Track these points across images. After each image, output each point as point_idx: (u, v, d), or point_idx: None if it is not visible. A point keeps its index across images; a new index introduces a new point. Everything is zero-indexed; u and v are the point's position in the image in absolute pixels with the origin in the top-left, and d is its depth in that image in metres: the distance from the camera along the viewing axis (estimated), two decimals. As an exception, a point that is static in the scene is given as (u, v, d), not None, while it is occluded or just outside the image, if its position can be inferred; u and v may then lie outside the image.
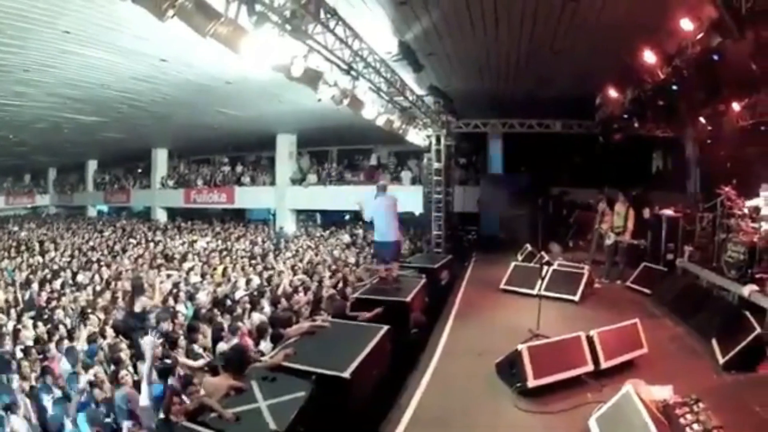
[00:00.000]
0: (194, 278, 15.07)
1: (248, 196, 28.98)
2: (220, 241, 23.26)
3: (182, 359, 7.76)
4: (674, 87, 10.92)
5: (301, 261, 17.90)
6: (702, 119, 15.72)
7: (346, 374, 6.71)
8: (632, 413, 5.71)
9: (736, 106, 13.81)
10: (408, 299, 10.75)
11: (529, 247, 16.27)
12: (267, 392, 5.96)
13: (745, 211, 11.03)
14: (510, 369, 7.66)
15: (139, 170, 34.68)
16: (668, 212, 14.97)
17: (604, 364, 7.97)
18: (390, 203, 11.66)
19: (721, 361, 8.30)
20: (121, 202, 35.20)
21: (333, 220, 28.49)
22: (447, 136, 18.57)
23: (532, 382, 7.27)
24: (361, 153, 28.32)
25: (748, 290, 9.62)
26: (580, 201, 19.29)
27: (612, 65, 12.35)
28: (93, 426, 7.16)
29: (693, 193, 17.51)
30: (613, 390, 6.44)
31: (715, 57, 8.94)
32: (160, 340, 8.28)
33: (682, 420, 6.21)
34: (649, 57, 10.60)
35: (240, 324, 10.12)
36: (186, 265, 16.93)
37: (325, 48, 8.98)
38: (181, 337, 9.57)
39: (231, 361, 6.62)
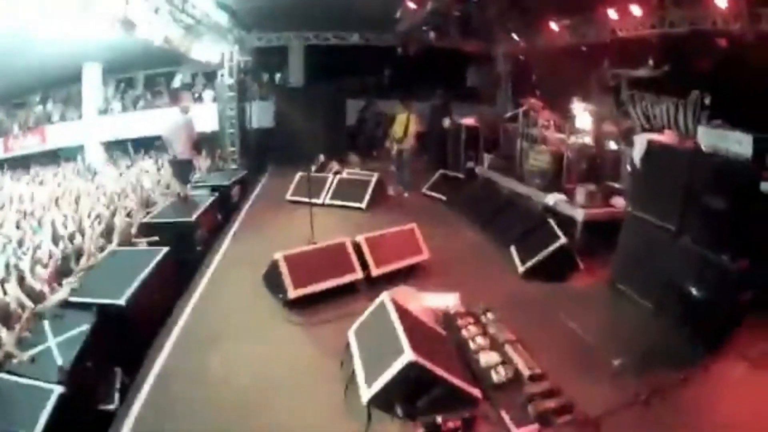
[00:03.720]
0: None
1: (59, 134, 26.20)
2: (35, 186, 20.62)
3: None
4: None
5: (104, 194, 15.84)
6: (514, 35, 15.39)
7: (122, 301, 6.56)
8: (386, 323, 5.15)
9: (554, 26, 13.63)
10: (192, 218, 10.41)
11: (322, 157, 15.75)
12: (56, 330, 5.97)
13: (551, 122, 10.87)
14: (275, 280, 7.19)
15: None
16: (468, 121, 14.51)
17: (376, 271, 7.51)
18: (184, 123, 11.74)
19: (521, 269, 7.99)
20: None
21: (144, 146, 25.75)
22: (241, 51, 17.85)
23: (292, 293, 6.90)
24: (166, 76, 26.38)
25: (553, 199, 9.36)
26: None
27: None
28: None
29: (502, 105, 17.26)
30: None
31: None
32: None
33: (464, 332, 5.74)
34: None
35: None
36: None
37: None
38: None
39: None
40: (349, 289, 7.19)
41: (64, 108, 26.88)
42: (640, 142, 7.56)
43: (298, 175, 13.23)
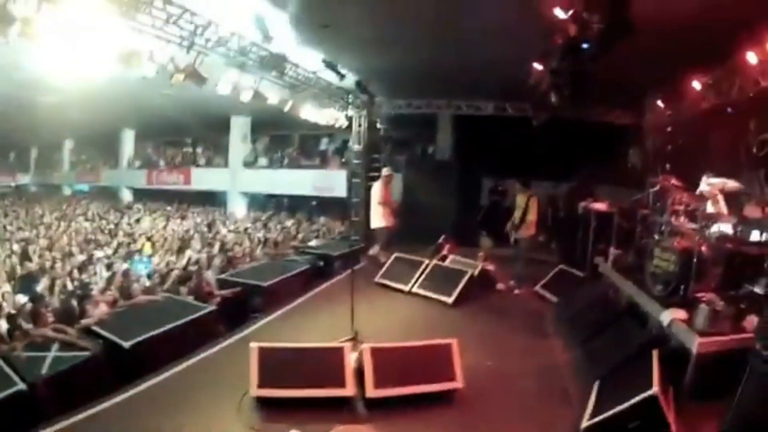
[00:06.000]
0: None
1: (203, 178, 28.52)
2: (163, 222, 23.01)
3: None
4: (585, 45, 8.16)
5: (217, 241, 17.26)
6: (659, 102, 13.14)
7: (127, 344, 7.12)
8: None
9: (696, 85, 11.20)
10: (265, 284, 10.49)
11: (442, 238, 14.05)
12: (64, 347, 6.86)
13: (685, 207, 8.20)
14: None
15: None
16: (599, 206, 11.96)
17: (372, 393, 5.71)
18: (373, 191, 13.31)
19: (585, 423, 5.28)
20: (92, 181, 35.19)
21: (299, 205, 26.85)
22: (369, 117, 17.09)
23: (254, 391, 5.87)
24: (317, 139, 27.04)
25: (668, 316, 6.58)
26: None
27: (526, 32, 9.78)
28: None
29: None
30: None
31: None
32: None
33: None
34: (560, 13, 8.00)
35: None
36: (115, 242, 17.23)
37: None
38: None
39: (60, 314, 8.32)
40: (340, 403, 5.64)
41: (212, 154, 29.21)
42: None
43: (393, 256, 12.04)
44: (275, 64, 11.96)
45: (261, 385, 5.81)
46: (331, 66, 12.93)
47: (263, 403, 5.77)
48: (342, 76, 13.60)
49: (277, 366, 5.92)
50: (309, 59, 12.97)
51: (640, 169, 14.97)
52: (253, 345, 6.06)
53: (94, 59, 8.57)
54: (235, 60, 10.95)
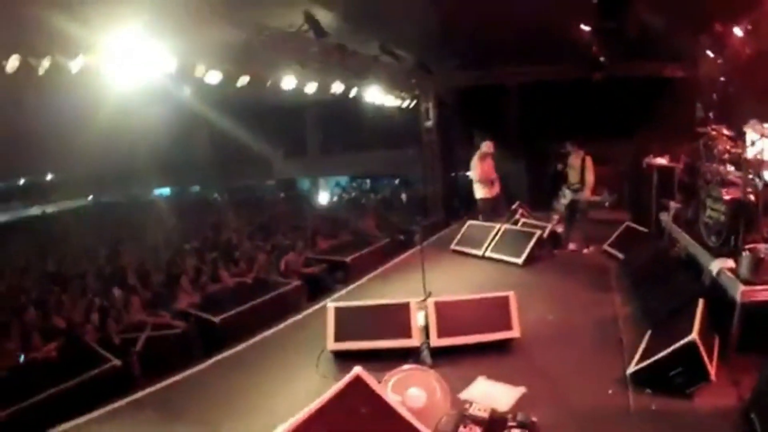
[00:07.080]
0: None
1: (284, 168, 30.29)
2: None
3: None
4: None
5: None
6: (709, 52, 12.65)
7: (217, 319, 8.63)
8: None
9: (738, 32, 10.90)
10: (347, 259, 12.24)
11: (516, 204, 14.31)
12: (158, 328, 8.67)
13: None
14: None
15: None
16: (660, 161, 11.84)
17: (436, 342, 6.31)
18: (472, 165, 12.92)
19: (630, 369, 5.47)
20: (173, 185, 36.91)
21: (380, 184, 28.96)
22: (435, 94, 17.68)
23: (331, 345, 6.54)
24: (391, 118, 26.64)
25: (717, 266, 6.65)
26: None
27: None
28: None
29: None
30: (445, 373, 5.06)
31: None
32: None
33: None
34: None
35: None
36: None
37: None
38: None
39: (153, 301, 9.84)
40: (408, 353, 6.16)
41: (290, 145, 29.68)
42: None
43: (468, 223, 12.43)
44: (334, 55, 12.22)
45: (337, 340, 6.45)
46: (388, 51, 13.30)
47: (339, 356, 6.40)
48: (401, 59, 13.98)
49: (351, 322, 6.54)
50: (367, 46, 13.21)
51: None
52: (330, 305, 6.76)
53: (154, 76, 8.78)
54: (294, 57, 11.34)
